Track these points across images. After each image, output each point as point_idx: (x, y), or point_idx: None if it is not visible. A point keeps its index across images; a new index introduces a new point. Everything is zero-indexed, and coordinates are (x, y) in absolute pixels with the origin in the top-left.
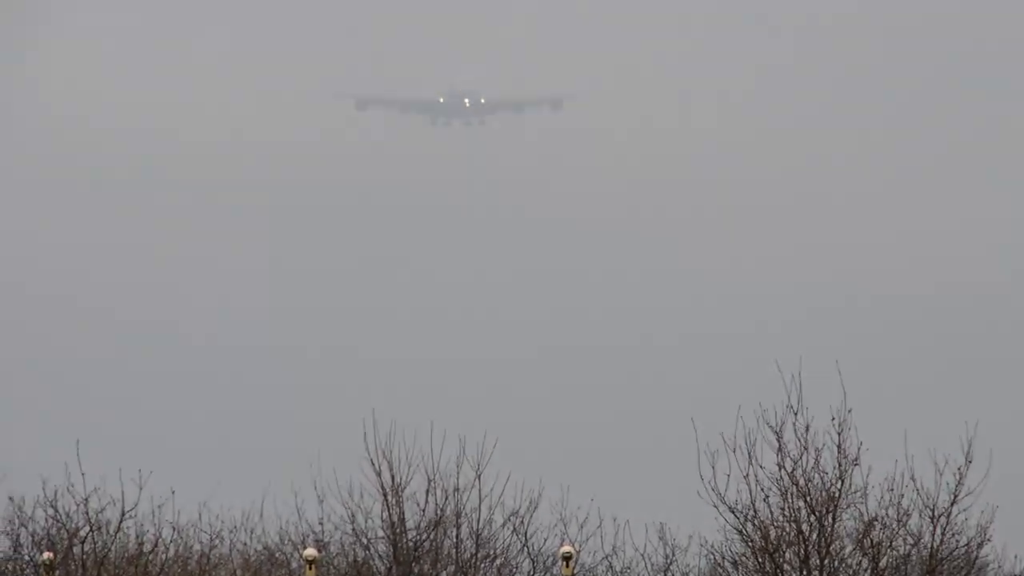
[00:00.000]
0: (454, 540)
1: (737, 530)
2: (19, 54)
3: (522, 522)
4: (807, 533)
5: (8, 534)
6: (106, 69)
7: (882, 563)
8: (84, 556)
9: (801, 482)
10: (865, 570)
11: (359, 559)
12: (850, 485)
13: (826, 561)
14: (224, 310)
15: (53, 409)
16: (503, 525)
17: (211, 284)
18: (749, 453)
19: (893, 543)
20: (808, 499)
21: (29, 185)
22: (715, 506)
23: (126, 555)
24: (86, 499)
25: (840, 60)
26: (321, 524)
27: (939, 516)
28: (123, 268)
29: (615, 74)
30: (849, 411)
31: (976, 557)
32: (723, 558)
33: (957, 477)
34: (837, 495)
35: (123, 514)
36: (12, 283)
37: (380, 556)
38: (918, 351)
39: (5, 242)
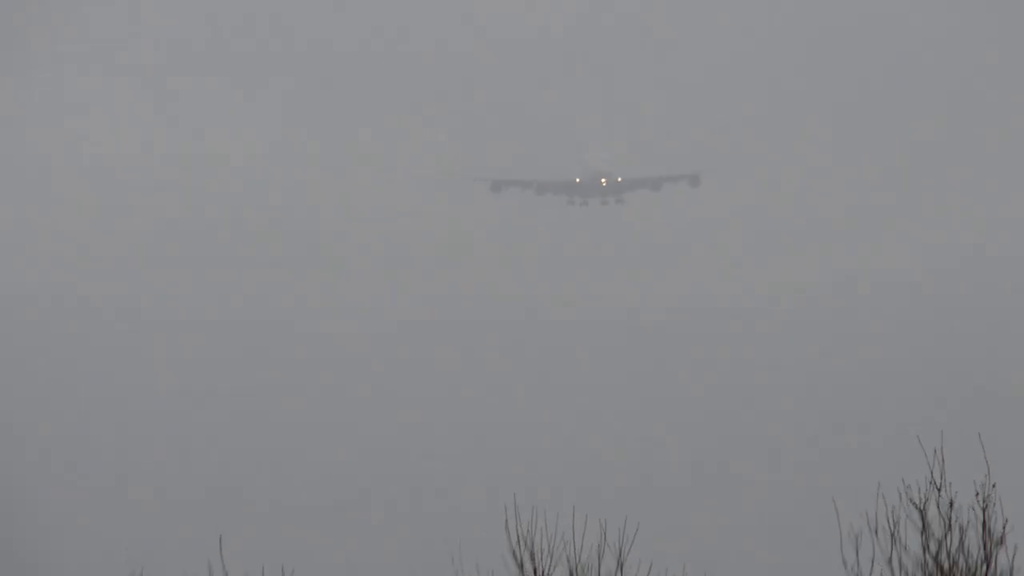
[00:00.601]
0: None
1: None
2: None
3: None
4: None
5: None
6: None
7: None
8: None
9: (946, 566)
10: None
11: None
12: (995, 568)
13: None
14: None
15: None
16: None
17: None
18: (892, 534)
19: None
20: None
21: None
22: None
23: None
24: None
25: None
26: None
27: None
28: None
29: (752, 147)
30: (993, 486)
31: None
32: None
33: None
34: None
35: None
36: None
37: None
38: None
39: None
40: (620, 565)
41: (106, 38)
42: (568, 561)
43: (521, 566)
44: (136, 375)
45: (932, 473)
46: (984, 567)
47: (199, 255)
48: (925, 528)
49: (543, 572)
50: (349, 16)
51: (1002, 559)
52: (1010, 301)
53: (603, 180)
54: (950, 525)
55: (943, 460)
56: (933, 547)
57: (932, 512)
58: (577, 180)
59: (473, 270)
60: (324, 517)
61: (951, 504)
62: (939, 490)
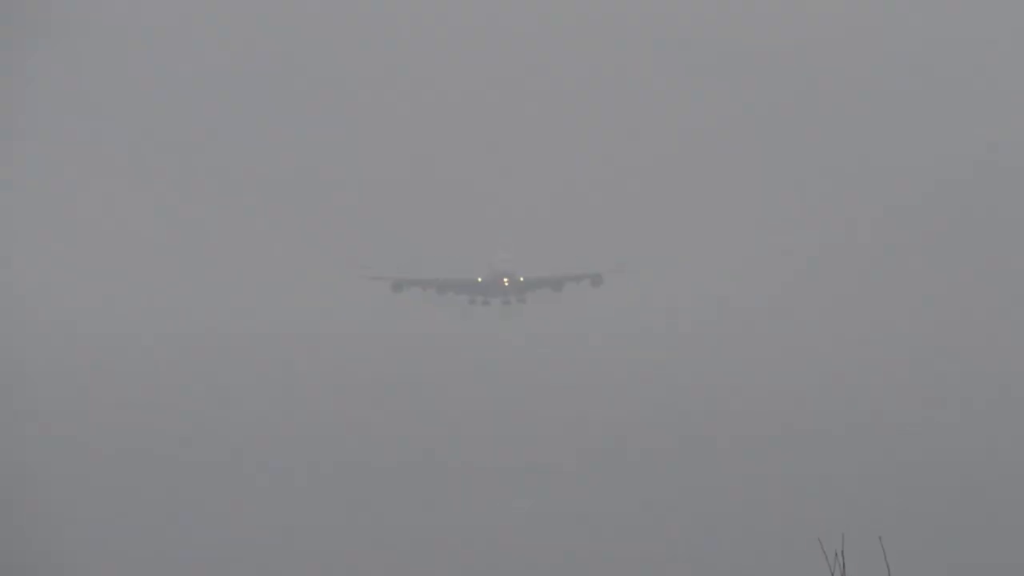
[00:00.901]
0: None
1: None
2: None
3: None
4: None
5: None
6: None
7: None
8: None
9: None
10: None
11: None
12: None
13: None
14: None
15: None
16: None
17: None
18: None
19: None
20: None
21: None
22: None
23: None
24: None
25: None
26: None
27: None
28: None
29: (656, 247)
30: None
31: None
32: None
33: None
34: None
35: None
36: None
37: None
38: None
39: None
40: None
41: None
42: None
43: None
44: None
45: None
46: None
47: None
48: None
49: None
50: (248, 118)
51: None
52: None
53: (505, 280)
54: None
55: (844, 565)
56: None
57: None
58: (479, 280)
59: (371, 368)
60: None
61: None
62: None
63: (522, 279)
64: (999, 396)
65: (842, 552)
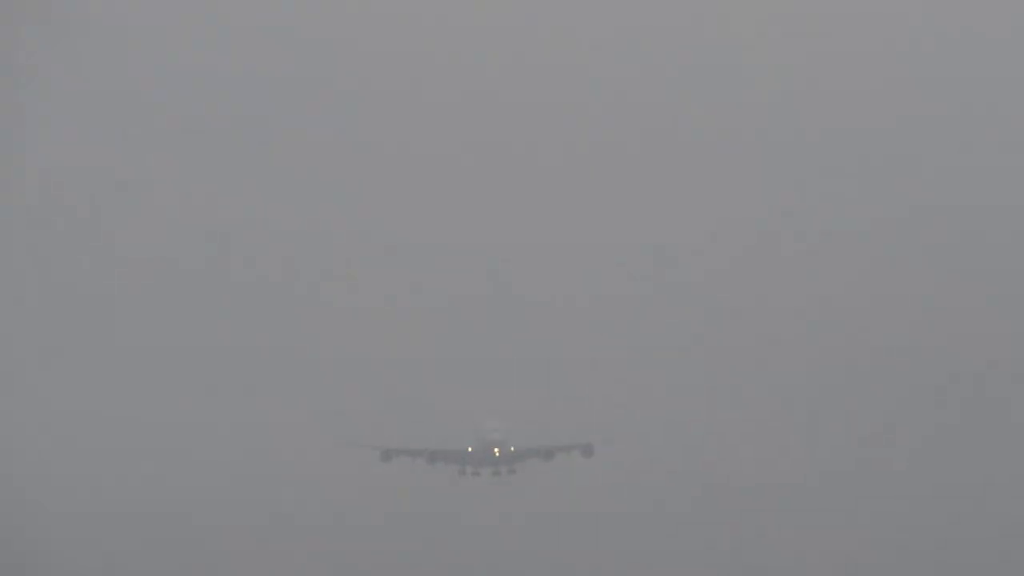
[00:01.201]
0: None
1: None
2: None
3: None
4: None
5: None
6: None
7: None
8: None
9: None
10: None
11: None
12: None
13: None
14: None
15: None
16: None
17: None
18: None
19: None
20: None
21: None
22: None
23: None
24: None
25: None
26: None
27: None
28: None
29: (646, 416)
30: None
31: None
32: None
33: None
34: None
35: None
36: None
37: None
38: None
39: None
40: None
41: None
42: None
43: None
44: None
45: None
46: None
47: None
48: None
49: None
50: (239, 287)
51: None
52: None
53: (496, 450)
54: None
55: None
56: None
57: None
58: (469, 449)
59: (359, 540)
60: None
61: None
62: None
63: (512, 449)
64: None
65: None
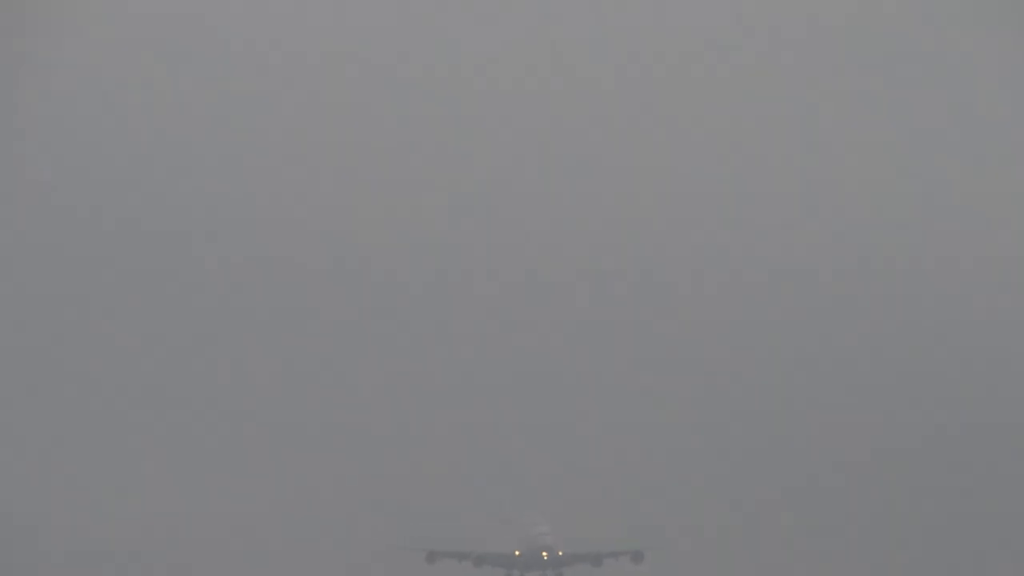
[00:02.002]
0: None
1: None
2: None
3: None
4: None
5: None
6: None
7: None
8: None
9: None
10: None
11: None
12: None
13: None
14: None
15: None
16: None
17: None
18: None
19: None
20: None
21: None
22: None
23: None
24: None
25: None
26: None
27: None
28: None
29: (698, 522)
30: None
31: None
32: None
33: None
34: None
35: None
36: None
37: None
38: None
39: None
40: None
41: None
42: None
43: None
44: None
45: None
46: None
47: None
48: None
49: None
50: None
51: None
52: None
53: (544, 554)
54: None
55: None
56: None
57: None
58: (517, 553)
59: None
60: None
61: None
62: None
63: (561, 553)
64: None
65: None
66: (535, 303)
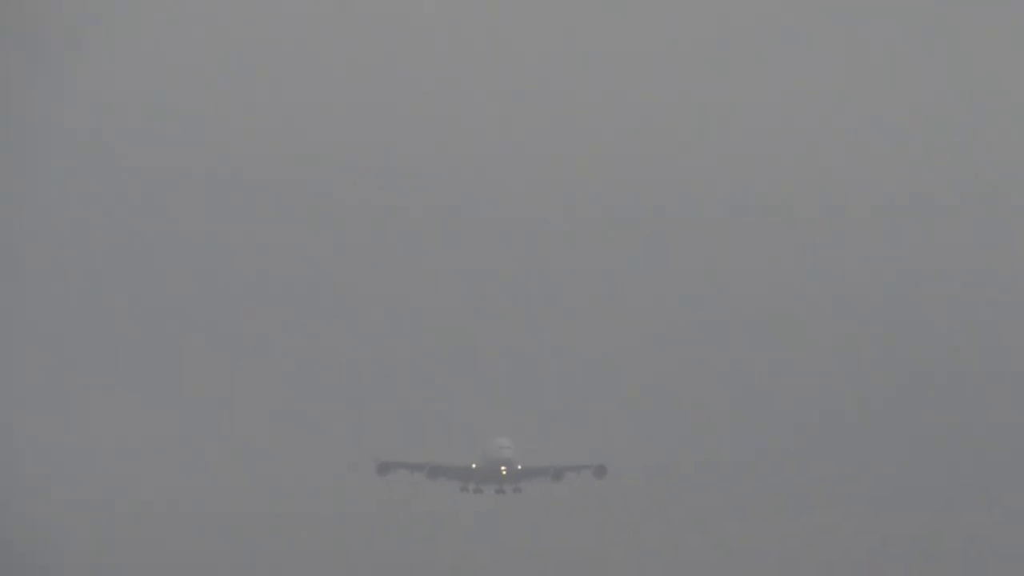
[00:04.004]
0: None
1: None
2: None
3: None
4: None
5: None
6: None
7: None
8: None
9: None
10: None
11: None
12: None
13: None
14: None
15: None
16: None
17: None
18: None
19: None
20: None
21: None
22: None
23: None
24: None
25: None
26: None
27: None
28: None
29: (654, 438)
30: None
31: None
32: None
33: None
34: None
35: None
36: None
37: None
38: None
39: None
40: None
41: None
42: None
43: None
44: None
45: None
46: None
47: None
48: None
49: None
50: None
51: None
52: None
53: (503, 468)
54: None
55: None
56: None
57: None
58: (473, 466)
59: (350, 557)
60: None
61: None
62: None
63: (520, 467)
64: None
65: None
66: (509, 242)
